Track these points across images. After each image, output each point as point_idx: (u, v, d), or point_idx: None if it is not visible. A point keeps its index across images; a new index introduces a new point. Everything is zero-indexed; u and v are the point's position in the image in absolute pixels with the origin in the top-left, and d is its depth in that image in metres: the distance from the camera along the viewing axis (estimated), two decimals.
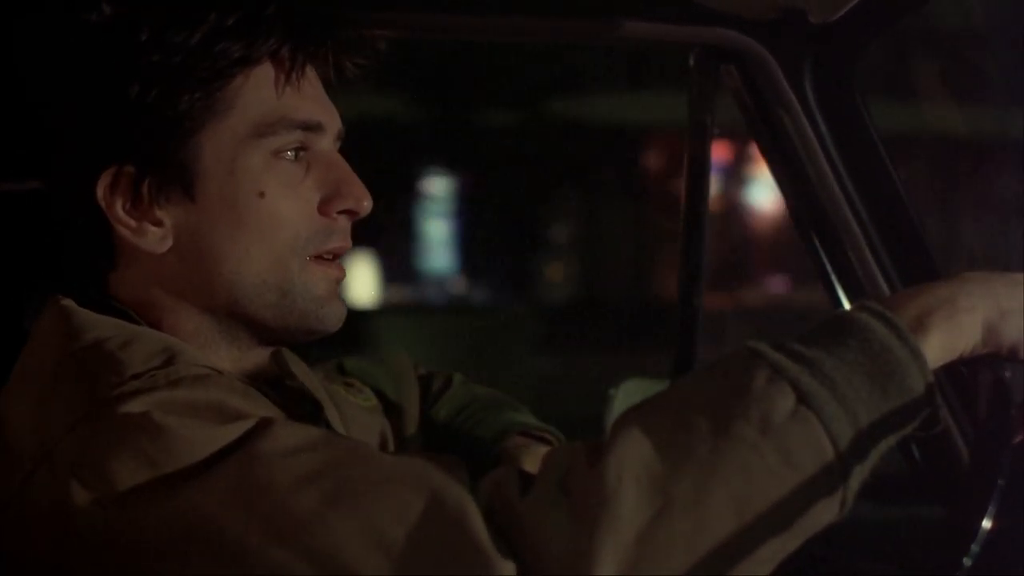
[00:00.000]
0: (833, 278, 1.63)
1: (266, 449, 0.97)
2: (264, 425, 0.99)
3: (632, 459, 0.92)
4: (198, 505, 0.95)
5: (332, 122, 1.18)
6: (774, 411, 0.92)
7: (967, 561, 0.94)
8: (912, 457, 1.65)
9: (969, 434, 1.53)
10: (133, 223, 1.13)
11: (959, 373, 1.03)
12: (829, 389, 0.93)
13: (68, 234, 1.17)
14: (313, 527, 0.93)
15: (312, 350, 1.26)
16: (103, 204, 1.12)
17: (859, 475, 0.94)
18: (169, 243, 1.13)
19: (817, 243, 1.63)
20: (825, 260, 1.63)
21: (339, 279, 1.18)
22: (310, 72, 1.17)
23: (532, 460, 1.34)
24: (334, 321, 1.17)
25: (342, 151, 1.21)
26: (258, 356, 1.18)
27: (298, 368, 1.21)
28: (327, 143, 1.18)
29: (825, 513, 0.93)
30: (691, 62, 1.66)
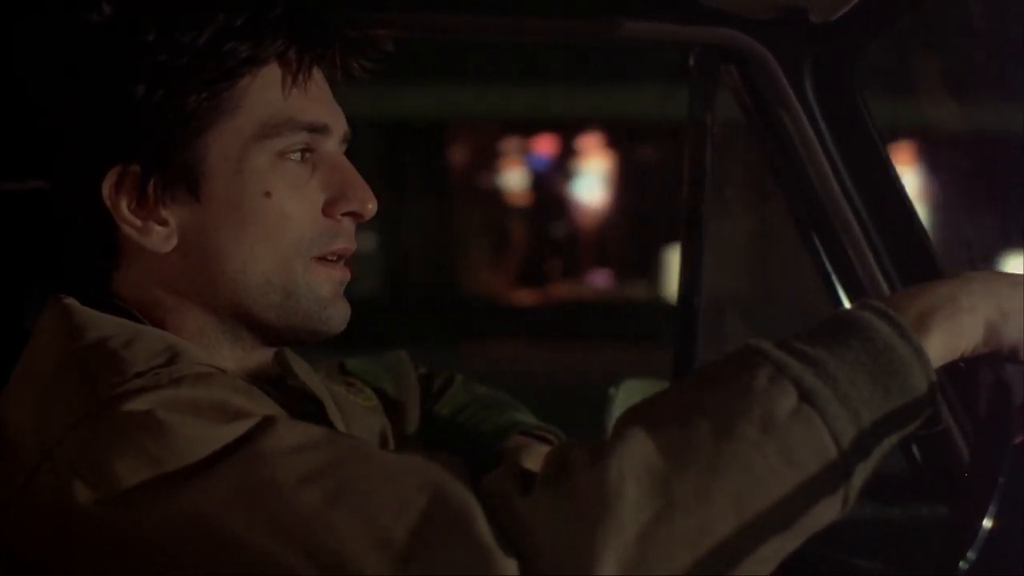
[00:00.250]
0: (833, 277, 1.63)
1: (268, 448, 0.97)
2: (267, 424, 0.99)
3: (634, 458, 0.92)
4: (200, 504, 0.95)
5: (338, 124, 1.18)
6: (776, 410, 0.93)
7: (967, 561, 0.94)
8: (912, 457, 1.65)
9: (969, 434, 1.54)
10: (138, 222, 1.13)
11: (959, 373, 1.03)
12: (831, 388, 0.93)
13: (71, 233, 1.16)
14: (315, 525, 0.93)
15: (312, 350, 1.26)
16: (108, 203, 1.12)
17: (861, 474, 0.94)
18: (174, 242, 1.13)
19: (817, 242, 1.63)
20: (825, 259, 1.63)
21: (343, 281, 1.18)
22: (317, 74, 1.17)
23: (533, 459, 1.34)
24: (338, 322, 1.17)
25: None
26: (261, 356, 1.18)
27: (300, 368, 1.21)
28: (333, 145, 1.18)
29: (827, 512, 0.93)
30: (691, 62, 1.66)
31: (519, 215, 10.17)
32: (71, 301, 1.12)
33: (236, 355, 1.16)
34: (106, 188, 1.12)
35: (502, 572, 0.90)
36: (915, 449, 1.64)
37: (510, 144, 9.77)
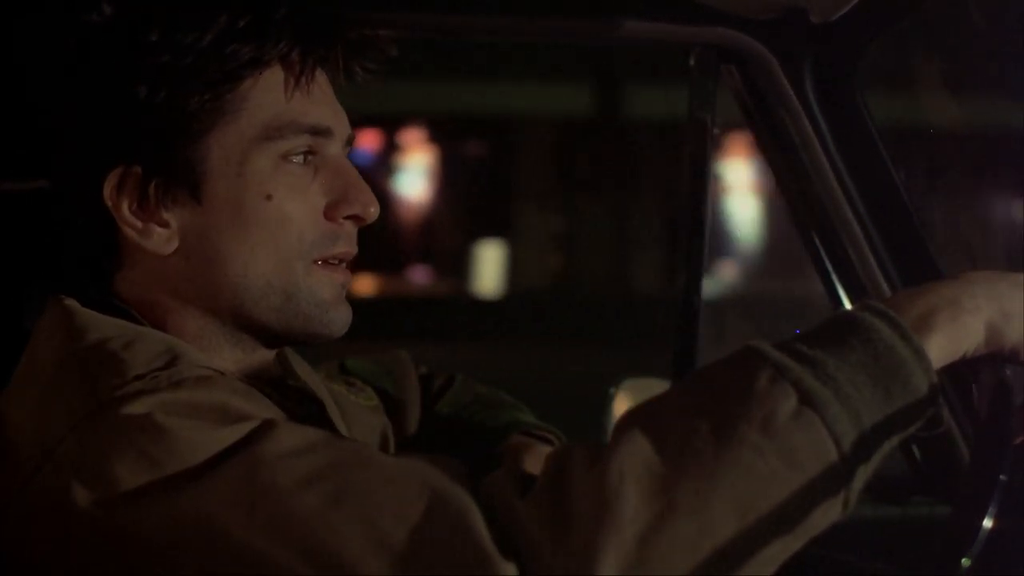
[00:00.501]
0: (833, 277, 1.63)
1: (268, 451, 0.96)
2: (266, 427, 0.99)
3: (634, 460, 0.92)
4: (200, 506, 0.95)
5: (341, 127, 1.18)
6: (776, 412, 0.92)
7: (967, 561, 0.94)
8: (913, 457, 1.65)
9: (970, 435, 1.53)
10: (139, 224, 1.12)
11: (960, 374, 1.03)
12: (832, 389, 0.93)
13: (71, 234, 1.16)
14: (315, 528, 0.93)
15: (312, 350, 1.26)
16: (109, 204, 1.12)
17: (862, 476, 0.94)
18: (175, 244, 1.13)
19: (817, 242, 1.63)
20: (825, 259, 1.63)
21: (344, 284, 1.18)
22: (320, 76, 1.16)
23: (534, 460, 1.34)
24: (339, 326, 1.17)
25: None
26: (262, 357, 1.18)
27: (301, 368, 1.21)
28: (336, 148, 1.17)
29: (828, 514, 0.93)
30: (691, 62, 1.66)
31: None
32: (71, 302, 1.11)
33: (236, 356, 1.16)
34: (107, 189, 1.12)
35: (502, 573, 0.90)
36: (915, 449, 1.64)
37: None
